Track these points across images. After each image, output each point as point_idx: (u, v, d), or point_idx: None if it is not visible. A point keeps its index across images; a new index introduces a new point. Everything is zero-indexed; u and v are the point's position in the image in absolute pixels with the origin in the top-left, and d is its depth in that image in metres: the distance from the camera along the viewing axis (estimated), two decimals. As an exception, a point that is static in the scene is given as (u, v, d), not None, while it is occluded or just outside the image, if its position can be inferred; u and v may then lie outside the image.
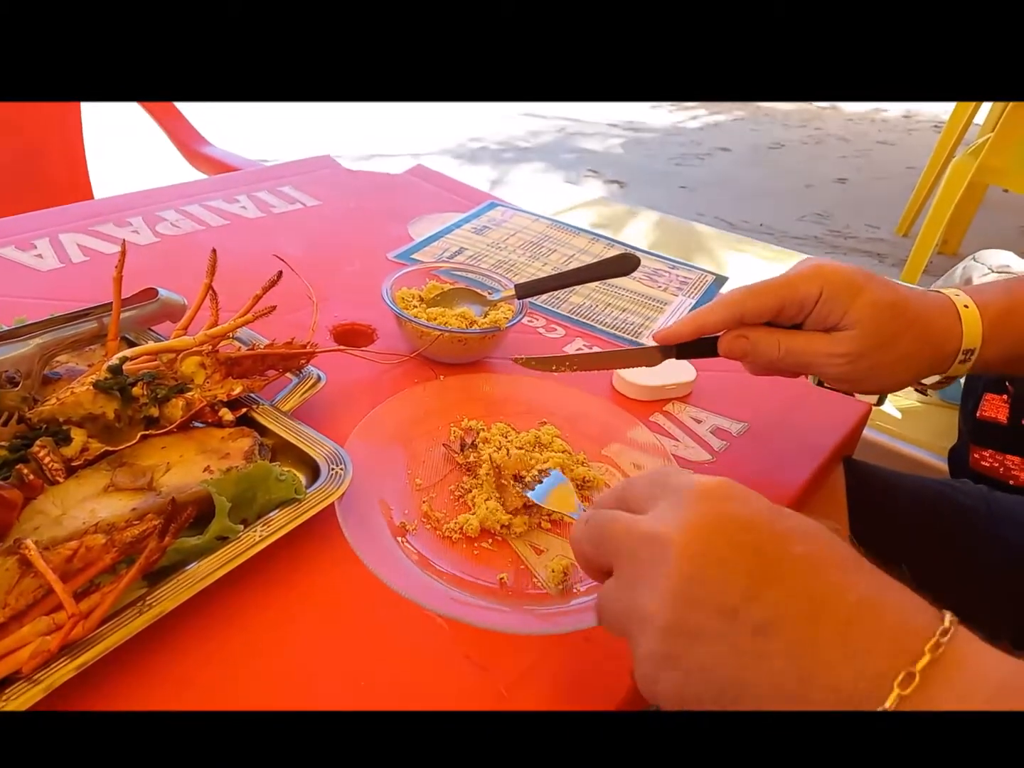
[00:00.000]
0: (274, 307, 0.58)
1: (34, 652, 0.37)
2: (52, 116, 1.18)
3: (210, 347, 0.56)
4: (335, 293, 0.75)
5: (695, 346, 0.56)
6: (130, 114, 1.51)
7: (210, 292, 0.60)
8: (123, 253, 0.56)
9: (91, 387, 0.50)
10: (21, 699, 0.36)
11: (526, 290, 0.68)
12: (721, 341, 0.55)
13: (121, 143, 2.92)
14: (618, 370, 0.67)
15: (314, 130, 3.67)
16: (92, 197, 1.23)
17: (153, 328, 0.62)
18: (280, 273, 0.59)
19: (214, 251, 0.60)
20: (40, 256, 0.74)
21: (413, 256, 0.83)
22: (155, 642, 0.41)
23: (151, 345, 0.55)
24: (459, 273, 0.76)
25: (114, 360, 0.52)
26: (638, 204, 1.86)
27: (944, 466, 0.94)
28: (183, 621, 0.43)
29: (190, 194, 0.90)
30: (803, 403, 0.70)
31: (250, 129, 3.51)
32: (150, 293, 0.62)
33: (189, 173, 1.23)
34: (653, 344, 0.57)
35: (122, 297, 0.58)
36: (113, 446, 0.51)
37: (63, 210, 0.84)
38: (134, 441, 0.51)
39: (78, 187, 1.22)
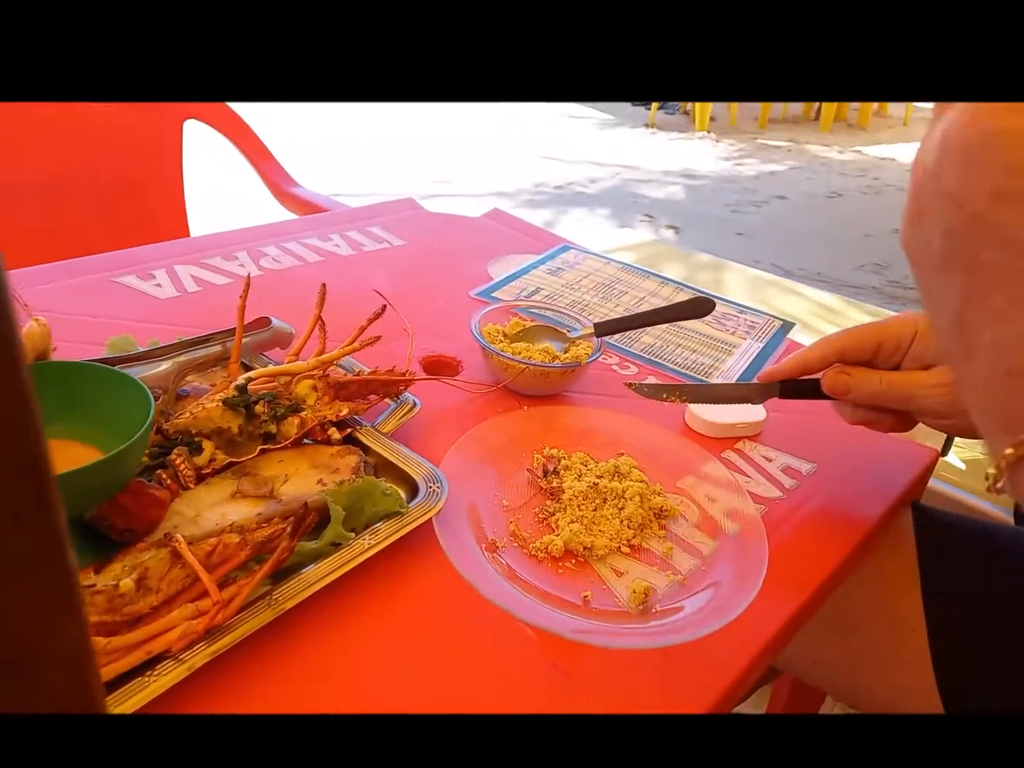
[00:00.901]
0: (379, 337, 0.63)
1: (183, 634, 0.42)
2: (153, 150, 1.28)
3: (321, 372, 0.61)
4: (422, 327, 0.80)
5: (797, 385, 0.59)
6: (219, 154, 1.61)
7: (319, 322, 0.65)
8: (247, 285, 0.62)
9: (220, 403, 0.56)
10: (169, 676, 0.41)
11: (605, 329, 0.72)
12: (824, 377, 0.58)
13: (206, 180, 3.09)
14: (691, 406, 0.70)
15: (377, 171, 3.82)
16: (188, 229, 1.33)
17: (264, 353, 0.68)
18: (384, 307, 0.64)
19: (324, 285, 0.66)
20: (159, 285, 0.81)
21: (493, 294, 0.89)
22: (276, 633, 0.46)
23: (271, 368, 0.61)
24: (539, 311, 0.80)
25: (240, 380, 0.58)
26: (694, 249, 1.90)
27: (1010, 519, 0.94)
28: (299, 617, 0.47)
29: (288, 231, 0.98)
30: (870, 448, 0.72)
31: (318, 167, 3.68)
32: (263, 322, 0.68)
33: (276, 211, 1.31)
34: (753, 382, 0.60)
35: (229, 328, 0.64)
36: (235, 458, 0.57)
37: (175, 243, 0.92)
38: (255, 454, 0.57)
39: (176, 219, 1.31)
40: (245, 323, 0.68)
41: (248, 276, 0.63)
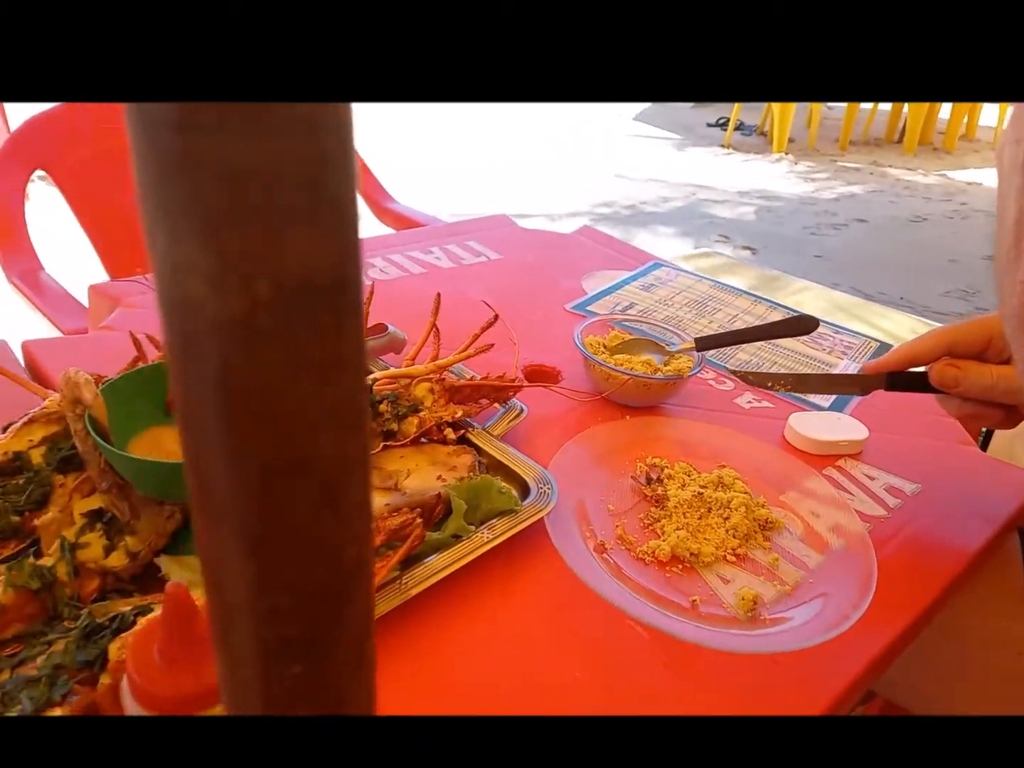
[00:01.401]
0: (492, 345, 0.66)
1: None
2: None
3: (437, 376, 0.65)
4: (521, 337, 0.83)
5: (905, 378, 0.59)
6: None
7: (434, 329, 0.69)
8: (371, 293, 0.66)
9: (348, 401, 0.60)
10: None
11: (705, 343, 0.74)
12: (932, 369, 0.57)
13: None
14: (791, 423, 0.71)
15: (450, 190, 3.91)
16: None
17: (380, 357, 0.72)
18: (496, 317, 0.68)
19: (438, 295, 0.70)
20: (279, 291, 0.86)
21: (588, 308, 0.91)
22: (403, 616, 0.49)
23: (393, 370, 0.65)
24: (637, 325, 0.82)
25: (367, 380, 0.62)
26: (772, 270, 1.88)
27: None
28: (424, 602, 0.50)
29: (392, 244, 1.02)
30: (975, 471, 0.71)
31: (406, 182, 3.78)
32: (380, 328, 0.72)
33: (368, 225, 1.37)
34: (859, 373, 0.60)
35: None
36: (357, 453, 0.60)
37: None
38: (378, 449, 0.60)
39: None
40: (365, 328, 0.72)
41: (372, 284, 0.67)
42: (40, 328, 0.97)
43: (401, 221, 1.31)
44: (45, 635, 0.42)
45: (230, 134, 0.12)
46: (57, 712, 0.38)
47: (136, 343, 0.61)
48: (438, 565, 0.51)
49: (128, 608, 0.43)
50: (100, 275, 1.17)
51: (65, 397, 0.47)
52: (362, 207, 1.39)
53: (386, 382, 0.63)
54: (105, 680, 0.40)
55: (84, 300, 0.96)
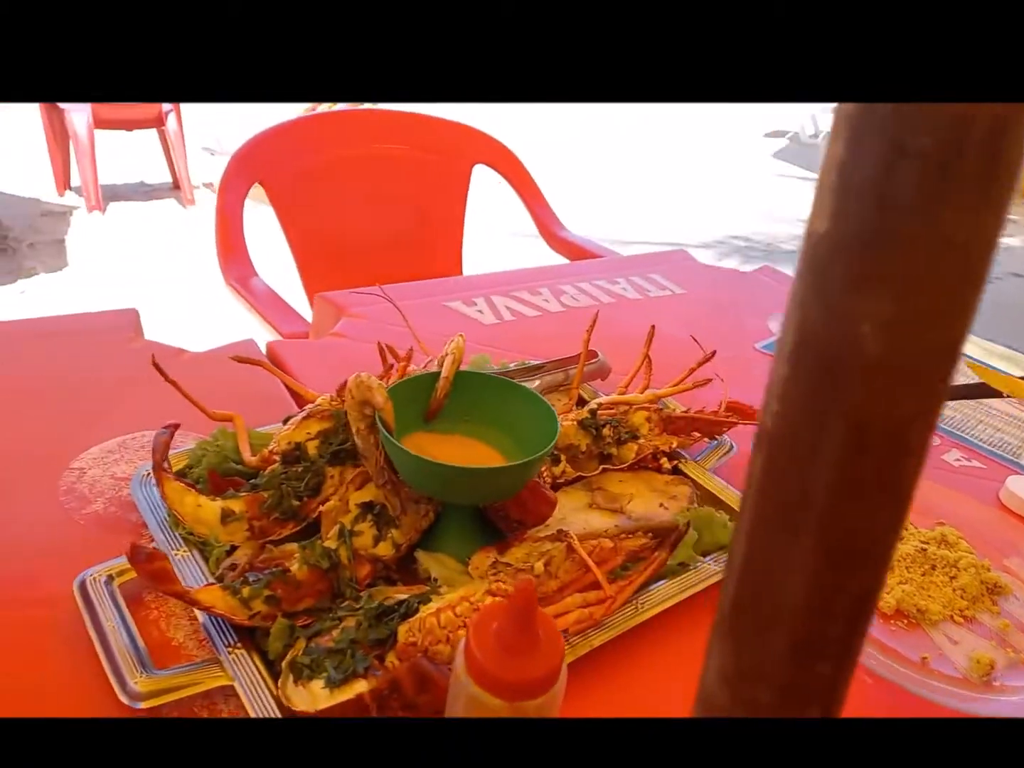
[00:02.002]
0: (710, 380, 0.68)
1: (578, 619, 0.48)
2: (442, 191, 1.43)
3: (655, 406, 0.67)
4: (713, 374, 0.84)
5: None
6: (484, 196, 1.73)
7: (647, 360, 0.71)
8: (594, 321, 0.70)
9: (575, 423, 0.63)
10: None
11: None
12: None
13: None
14: (1010, 486, 0.68)
15: (600, 218, 3.96)
16: (461, 266, 1.46)
17: (589, 384, 0.75)
18: (714, 352, 0.69)
19: (652, 327, 0.72)
20: (480, 312, 0.91)
21: (779, 350, 0.91)
22: (635, 635, 0.51)
23: (615, 397, 0.67)
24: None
25: (593, 405, 0.65)
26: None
27: None
28: (652, 624, 0.52)
29: (578, 273, 1.06)
30: None
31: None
32: (592, 354, 0.75)
33: (523, 253, 1.41)
34: None
35: (565, 357, 0.72)
36: (577, 472, 0.63)
37: (486, 276, 1.03)
38: (598, 471, 0.63)
39: (452, 255, 1.46)
40: (574, 355, 0.76)
41: (596, 312, 0.70)
42: (251, 330, 1.06)
43: (574, 250, 1.35)
44: (332, 611, 0.47)
45: (944, 212, 0.14)
46: (361, 684, 0.42)
47: (383, 353, 0.66)
48: (670, 591, 0.52)
49: (409, 595, 0.47)
50: (295, 285, 1.27)
51: (354, 398, 0.52)
52: (535, 234, 1.44)
53: (606, 407, 0.66)
54: (392, 659, 0.44)
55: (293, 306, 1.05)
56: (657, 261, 1.14)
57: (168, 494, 0.51)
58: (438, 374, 0.56)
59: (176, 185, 3.36)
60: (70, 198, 3.24)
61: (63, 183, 3.22)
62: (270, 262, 1.28)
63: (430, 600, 0.46)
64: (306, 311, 1.03)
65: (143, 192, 3.47)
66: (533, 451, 0.52)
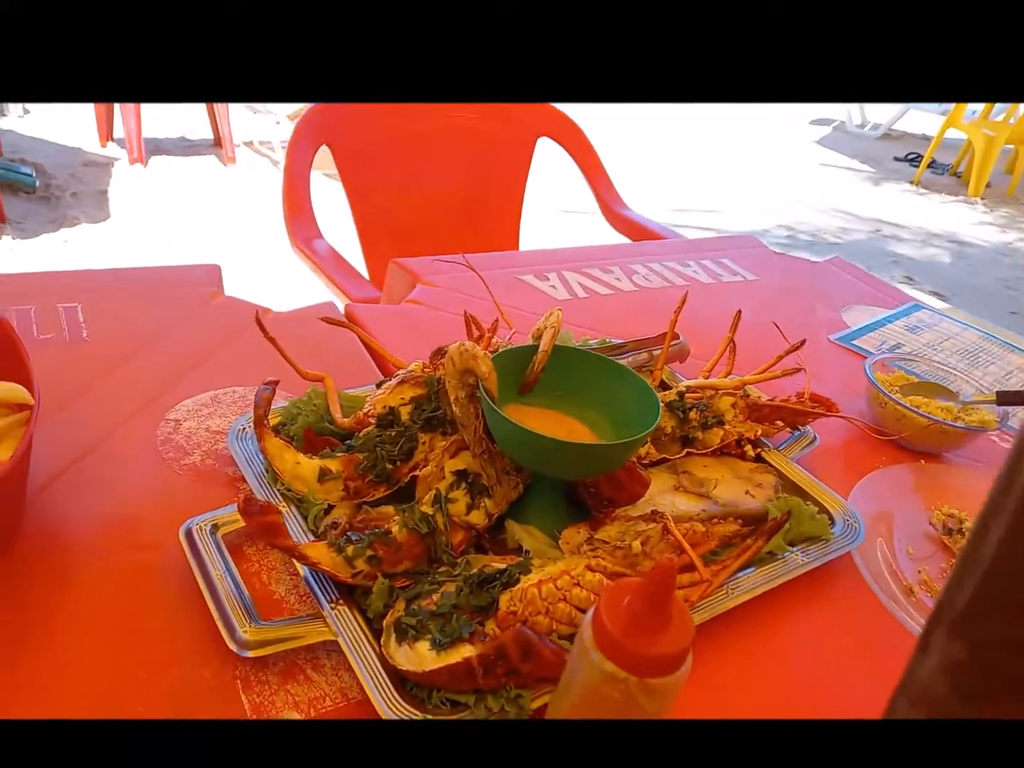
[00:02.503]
0: (799, 369, 0.67)
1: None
2: (505, 164, 1.42)
3: (741, 392, 0.66)
4: (789, 363, 0.83)
5: None
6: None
7: (731, 344, 0.70)
8: (683, 302, 0.69)
9: (663, 405, 0.62)
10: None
11: (1008, 398, 0.71)
12: None
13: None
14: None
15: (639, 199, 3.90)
16: (518, 240, 1.45)
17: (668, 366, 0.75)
18: (803, 341, 0.68)
19: (739, 312, 0.71)
20: (553, 287, 0.91)
21: (854, 342, 0.90)
22: (725, 619, 0.51)
23: (702, 380, 0.67)
24: (916, 367, 0.80)
25: (681, 387, 0.64)
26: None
27: None
28: (730, 614, 0.51)
29: (648, 253, 1.05)
30: None
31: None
32: (674, 336, 0.74)
33: (569, 231, 1.40)
34: None
35: (645, 337, 0.71)
36: (659, 454, 0.63)
37: (559, 251, 1.02)
38: (682, 454, 0.62)
39: (510, 229, 1.45)
40: (656, 336, 0.75)
41: (686, 293, 0.69)
42: (320, 293, 1.06)
43: (634, 229, 1.33)
44: (429, 576, 0.47)
45: None
46: (467, 648, 0.42)
47: (468, 323, 0.66)
48: (761, 578, 0.52)
49: (509, 565, 0.47)
50: (354, 250, 1.27)
51: (455, 366, 0.52)
52: (585, 211, 1.43)
53: (693, 390, 0.66)
54: (492, 627, 0.44)
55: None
56: (727, 245, 1.12)
57: (269, 449, 0.52)
58: (536, 347, 0.55)
59: (217, 142, 3.36)
60: (112, 149, 3.25)
61: (106, 134, 3.23)
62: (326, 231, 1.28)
63: (530, 571, 0.46)
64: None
65: (184, 147, 3.47)
66: (629, 430, 0.51)
